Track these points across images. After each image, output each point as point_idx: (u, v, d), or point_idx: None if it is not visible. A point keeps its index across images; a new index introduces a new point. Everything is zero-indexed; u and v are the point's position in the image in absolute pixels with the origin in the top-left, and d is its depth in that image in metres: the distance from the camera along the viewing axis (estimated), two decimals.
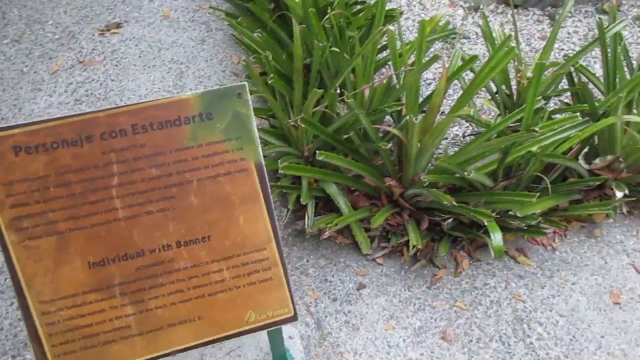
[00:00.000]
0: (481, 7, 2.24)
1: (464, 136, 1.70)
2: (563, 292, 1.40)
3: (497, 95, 1.61)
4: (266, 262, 0.86)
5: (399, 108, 1.32)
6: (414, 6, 2.26)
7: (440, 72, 1.87)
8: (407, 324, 1.33)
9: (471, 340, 1.30)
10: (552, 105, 1.75)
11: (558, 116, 1.47)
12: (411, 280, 1.42)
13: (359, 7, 1.77)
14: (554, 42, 1.49)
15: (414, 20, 2.18)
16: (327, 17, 1.48)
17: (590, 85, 1.54)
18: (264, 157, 1.48)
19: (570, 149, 1.47)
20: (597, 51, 2.03)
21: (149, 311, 0.82)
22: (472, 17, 2.22)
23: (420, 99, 1.48)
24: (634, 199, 1.55)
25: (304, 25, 1.36)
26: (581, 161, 1.48)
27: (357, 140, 1.41)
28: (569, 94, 1.61)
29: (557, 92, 1.50)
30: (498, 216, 1.36)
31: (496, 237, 1.18)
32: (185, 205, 0.82)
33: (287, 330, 1.23)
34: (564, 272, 1.45)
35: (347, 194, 1.50)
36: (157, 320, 0.83)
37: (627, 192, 1.36)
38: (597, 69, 1.94)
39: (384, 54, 1.71)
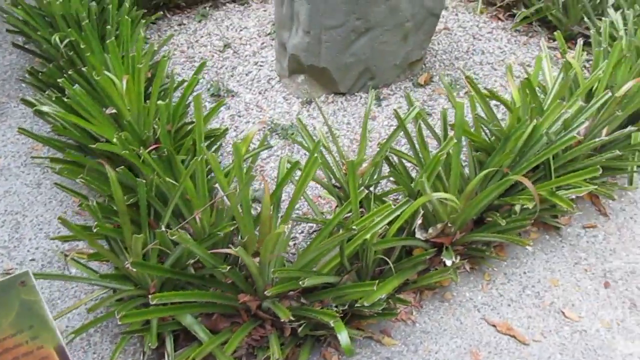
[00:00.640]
0: (313, 99, 2.41)
1: (309, 233, 1.76)
2: None
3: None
4: None
5: (231, 228, 1.34)
6: (252, 109, 2.36)
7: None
8: None
9: None
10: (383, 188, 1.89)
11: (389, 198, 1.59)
12: None
13: (190, 127, 1.82)
14: (365, 136, 1.63)
15: (254, 123, 2.28)
16: (150, 149, 1.50)
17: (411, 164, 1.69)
18: (117, 300, 1.42)
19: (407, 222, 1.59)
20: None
21: None
22: (307, 110, 2.37)
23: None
24: (472, 255, 1.69)
25: (122, 167, 1.37)
26: (418, 233, 1.59)
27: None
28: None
29: (379, 179, 1.62)
30: (350, 308, 1.41)
31: (343, 337, 1.21)
32: None
33: None
34: (426, 343, 1.51)
35: (205, 319, 1.47)
36: None
37: (455, 260, 1.48)
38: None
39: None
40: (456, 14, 3.08)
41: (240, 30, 2.89)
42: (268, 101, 2.42)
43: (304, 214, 1.83)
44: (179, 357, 1.37)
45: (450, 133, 1.58)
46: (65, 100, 1.60)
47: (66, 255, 1.47)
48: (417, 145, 1.60)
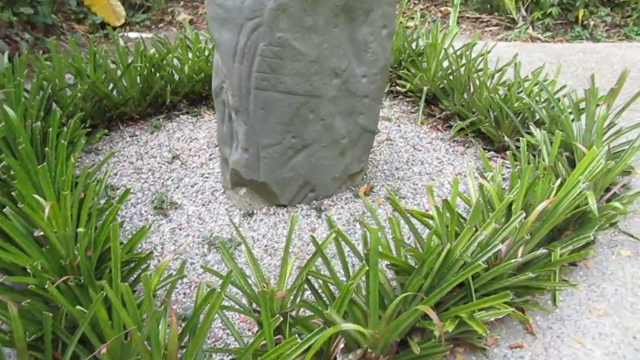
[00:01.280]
0: (255, 211, 2.46)
1: None
2: None
3: None
4: None
5: None
6: (193, 222, 2.39)
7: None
8: None
9: None
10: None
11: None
12: None
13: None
14: (287, 260, 1.66)
15: (193, 237, 2.30)
16: (65, 278, 1.49)
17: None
18: None
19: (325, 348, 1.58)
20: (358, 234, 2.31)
21: None
22: (248, 223, 2.41)
23: None
24: None
25: (29, 301, 1.35)
26: (340, 358, 1.58)
27: None
28: None
29: (299, 305, 1.62)
30: None
31: None
32: None
33: None
34: None
35: None
36: None
37: None
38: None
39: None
40: (399, 125, 3.26)
41: (191, 141, 2.99)
42: (211, 213, 2.45)
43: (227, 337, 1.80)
44: None
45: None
46: None
47: None
48: (341, 269, 1.63)
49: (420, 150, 2.98)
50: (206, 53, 3.44)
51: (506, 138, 2.82)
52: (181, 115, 3.28)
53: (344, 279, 1.75)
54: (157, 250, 2.20)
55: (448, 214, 1.76)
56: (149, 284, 1.32)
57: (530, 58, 4.45)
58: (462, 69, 3.20)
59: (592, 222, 1.92)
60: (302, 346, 1.39)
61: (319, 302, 1.63)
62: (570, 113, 2.49)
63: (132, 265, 1.76)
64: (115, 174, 2.64)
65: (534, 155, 2.31)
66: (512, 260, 1.66)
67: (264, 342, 1.44)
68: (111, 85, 3.00)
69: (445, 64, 3.39)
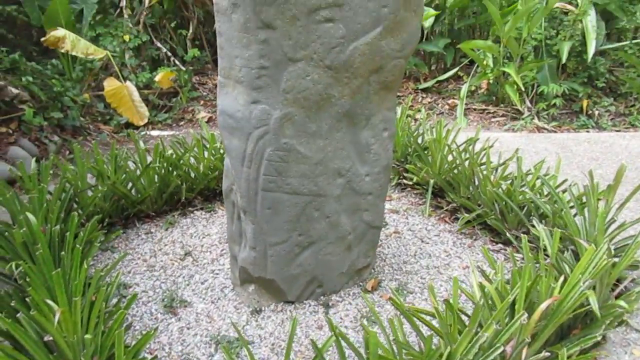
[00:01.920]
0: (263, 308, 2.48)
1: None
2: None
3: None
4: None
5: None
6: (202, 320, 2.42)
7: None
8: None
9: None
10: None
11: None
12: None
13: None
14: (290, 354, 1.67)
15: (201, 336, 2.32)
16: None
17: None
18: None
19: None
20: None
21: None
22: (256, 320, 2.42)
23: None
24: None
25: None
26: None
27: None
28: None
29: None
30: None
31: None
32: None
33: None
34: None
35: None
36: None
37: None
38: None
39: None
40: (407, 217, 3.32)
41: (203, 237, 3.08)
42: (219, 311, 2.48)
43: None
44: None
45: None
46: None
47: None
48: None
49: (428, 243, 3.02)
50: (221, 151, 3.62)
51: (513, 231, 2.85)
52: (195, 212, 3.40)
53: None
54: (164, 350, 2.21)
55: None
56: None
57: (536, 148, 4.56)
58: (466, 162, 3.30)
59: (599, 321, 1.90)
60: None
61: None
62: (572, 207, 2.53)
63: None
64: (129, 272, 2.72)
65: (540, 249, 2.33)
66: None
67: None
68: (130, 185, 3.16)
69: (451, 157, 3.50)
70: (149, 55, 6.29)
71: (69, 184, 2.77)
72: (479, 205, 3.08)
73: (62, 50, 4.97)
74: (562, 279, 1.92)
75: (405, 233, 3.13)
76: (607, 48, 5.99)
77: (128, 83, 5.45)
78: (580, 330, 1.97)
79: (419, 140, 3.88)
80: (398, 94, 6.41)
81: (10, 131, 3.98)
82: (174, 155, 3.41)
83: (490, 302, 1.86)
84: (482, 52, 6.13)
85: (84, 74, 5.48)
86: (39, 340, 1.66)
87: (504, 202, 2.87)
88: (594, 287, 2.01)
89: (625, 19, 5.87)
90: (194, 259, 2.87)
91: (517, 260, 2.51)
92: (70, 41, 4.91)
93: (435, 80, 6.81)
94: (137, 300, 2.52)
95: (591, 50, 5.48)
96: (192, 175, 3.48)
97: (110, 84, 5.27)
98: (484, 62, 6.08)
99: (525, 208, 2.89)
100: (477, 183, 3.16)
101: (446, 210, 3.32)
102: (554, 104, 5.74)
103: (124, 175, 3.12)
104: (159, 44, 6.40)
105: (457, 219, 3.20)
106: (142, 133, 5.40)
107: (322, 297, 2.56)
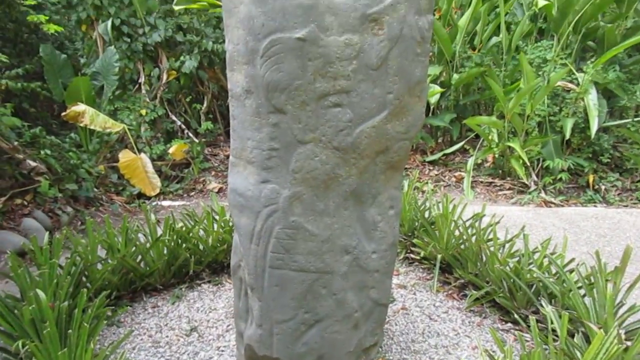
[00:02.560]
0: None
1: None
2: None
3: None
4: None
5: None
6: None
7: None
8: None
9: None
10: None
11: None
12: None
13: None
14: None
15: None
16: None
17: None
18: None
19: None
20: None
21: None
22: None
23: None
24: None
25: None
26: None
27: None
28: None
29: None
30: None
31: None
32: None
33: None
34: None
35: None
36: None
37: None
38: None
39: None
40: (414, 293, 3.29)
41: (210, 312, 3.07)
42: None
43: None
44: None
45: None
46: None
47: None
48: None
49: (436, 321, 2.98)
50: (230, 224, 3.67)
51: (522, 310, 2.81)
52: (203, 285, 3.40)
53: None
54: None
55: None
56: None
57: (543, 224, 4.57)
58: (473, 238, 3.32)
59: None
60: None
61: None
62: (580, 287, 2.52)
63: None
64: (134, 348, 2.69)
65: (550, 330, 2.29)
66: None
67: None
68: (139, 257, 3.20)
69: (458, 232, 3.52)
70: (164, 128, 6.52)
71: (79, 258, 2.81)
72: (487, 283, 3.06)
73: (81, 124, 5.18)
74: None
75: (413, 310, 3.10)
76: (610, 125, 6.13)
77: (142, 155, 5.62)
78: None
79: (426, 214, 3.92)
80: (405, 166, 6.54)
81: (25, 203, 4.08)
82: (184, 228, 3.46)
83: None
84: (487, 127, 6.29)
85: (101, 146, 5.67)
86: None
87: (512, 280, 2.85)
88: None
89: (626, 97, 6.04)
90: (200, 335, 2.84)
91: (527, 341, 2.47)
92: (89, 116, 5.12)
93: (442, 153, 6.94)
94: None
95: (594, 127, 5.60)
96: (201, 247, 3.51)
97: (125, 156, 5.43)
98: (489, 137, 6.22)
99: (534, 287, 2.87)
100: (484, 259, 3.16)
101: (454, 286, 3.29)
102: (560, 178, 5.80)
103: (134, 248, 3.16)
104: (174, 117, 6.65)
105: (466, 295, 3.17)
106: (154, 203, 5.49)
107: None
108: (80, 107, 5.20)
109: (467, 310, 3.08)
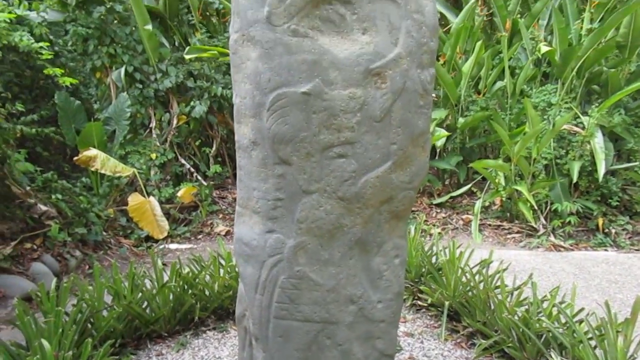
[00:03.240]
0: None
1: None
2: None
3: None
4: None
5: None
6: None
7: None
8: None
9: None
10: None
11: None
12: None
13: None
14: None
15: None
16: None
17: None
18: None
19: None
20: None
21: None
22: None
23: None
24: None
25: None
26: None
27: None
28: None
29: None
30: None
31: None
32: None
33: None
34: None
35: None
36: None
37: None
38: None
39: None
40: (422, 341, 3.24)
41: None
42: None
43: None
44: None
45: None
46: None
47: None
48: None
49: None
50: (237, 269, 3.67)
51: None
52: (208, 332, 3.38)
53: None
54: None
55: None
56: None
57: (553, 269, 4.51)
58: (480, 285, 3.28)
59: None
60: None
61: None
62: (591, 339, 2.47)
63: None
64: None
65: None
66: None
67: None
68: (145, 303, 3.19)
69: (465, 278, 3.49)
70: (173, 171, 6.61)
71: (85, 305, 2.81)
72: (496, 332, 3.01)
73: (92, 169, 5.27)
74: None
75: (421, 359, 3.04)
76: (617, 168, 6.12)
77: (151, 198, 5.68)
78: None
79: (433, 260, 3.89)
80: (412, 209, 6.53)
81: (35, 247, 4.11)
82: (190, 274, 3.46)
83: None
84: (493, 171, 6.31)
85: (111, 190, 5.74)
86: None
87: (520, 330, 2.81)
88: None
89: (633, 140, 6.06)
90: None
91: None
92: (100, 160, 5.22)
93: (449, 196, 6.94)
94: None
95: (601, 170, 5.60)
96: (207, 293, 3.50)
97: (134, 200, 5.49)
98: (496, 180, 6.23)
99: (543, 337, 2.82)
100: (492, 307, 3.11)
101: (462, 334, 3.24)
102: (569, 222, 5.76)
103: (140, 294, 3.16)
104: (183, 161, 6.74)
105: (474, 344, 3.12)
106: (162, 246, 5.51)
107: None
108: (92, 151, 5.30)
109: None
